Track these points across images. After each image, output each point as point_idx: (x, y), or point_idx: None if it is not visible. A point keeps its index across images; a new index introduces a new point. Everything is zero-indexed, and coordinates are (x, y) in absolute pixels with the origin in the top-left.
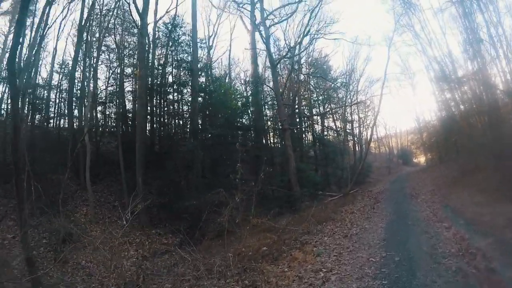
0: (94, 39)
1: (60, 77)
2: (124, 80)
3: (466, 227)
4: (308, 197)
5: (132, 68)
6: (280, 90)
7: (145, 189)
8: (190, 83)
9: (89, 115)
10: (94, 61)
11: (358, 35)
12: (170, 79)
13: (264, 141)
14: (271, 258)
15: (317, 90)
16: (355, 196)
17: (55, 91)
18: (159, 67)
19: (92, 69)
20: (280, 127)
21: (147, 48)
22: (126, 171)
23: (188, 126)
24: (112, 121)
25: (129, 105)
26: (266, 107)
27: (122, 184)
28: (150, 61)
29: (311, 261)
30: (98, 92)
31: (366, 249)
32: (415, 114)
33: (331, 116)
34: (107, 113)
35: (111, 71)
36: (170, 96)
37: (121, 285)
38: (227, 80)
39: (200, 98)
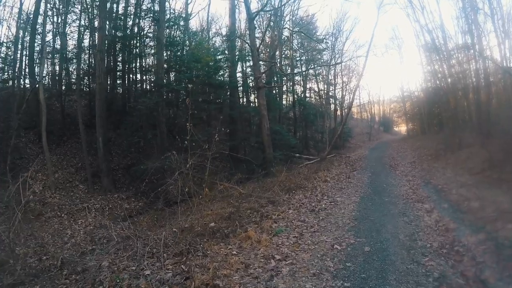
0: None
1: (24, 33)
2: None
3: (451, 214)
4: (283, 161)
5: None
6: (257, 45)
7: (112, 149)
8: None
9: (45, 71)
10: (60, 13)
11: None
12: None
13: (245, 100)
14: (223, 235)
15: (301, 50)
16: (332, 162)
17: (20, 48)
18: (127, 18)
19: (51, 21)
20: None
21: None
22: (93, 131)
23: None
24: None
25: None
26: (248, 64)
27: (82, 146)
28: (121, 13)
29: (266, 243)
30: (64, 47)
31: (332, 231)
32: (400, 83)
33: (314, 78)
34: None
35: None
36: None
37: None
38: (203, 35)
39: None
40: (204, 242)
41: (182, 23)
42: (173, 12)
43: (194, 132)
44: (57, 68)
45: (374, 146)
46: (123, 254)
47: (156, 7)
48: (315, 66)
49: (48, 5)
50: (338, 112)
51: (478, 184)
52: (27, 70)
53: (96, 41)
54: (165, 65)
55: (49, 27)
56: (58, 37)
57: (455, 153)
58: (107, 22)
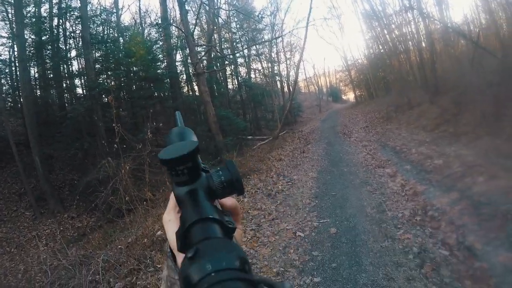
0: None
1: None
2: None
3: (416, 175)
4: (234, 146)
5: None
6: (192, 31)
7: (54, 166)
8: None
9: None
10: None
11: None
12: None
13: (189, 89)
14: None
15: (240, 32)
16: (285, 139)
17: None
18: (52, 21)
19: None
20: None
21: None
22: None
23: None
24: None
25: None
26: (186, 52)
27: (19, 168)
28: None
29: None
30: None
31: (293, 215)
32: (343, 53)
33: (257, 57)
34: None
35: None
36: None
37: None
38: (136, 29)
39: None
40: (154, 255)
41: (113, 18)
42: (103, 8)
43: (131, 132)
44: None
45: (325, 117)
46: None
47: (78, 4)
48: (255, 44)
49: None
50: (286, 89)
51: (436, 141)
52: None
53: (16, 50)
54: (97, 65)
55: None
56: None
57: (406, 113)
58: (30, 27)
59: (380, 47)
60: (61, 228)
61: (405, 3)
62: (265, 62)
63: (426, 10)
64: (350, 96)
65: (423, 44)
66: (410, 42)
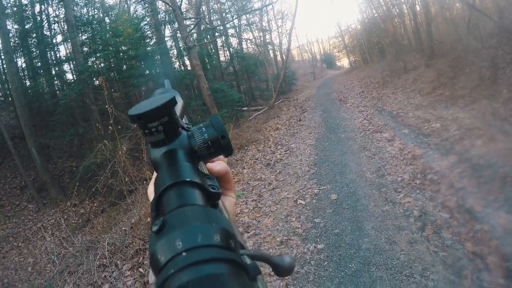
0: None
1: None
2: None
3: (414, 139)
4: (231, 117)
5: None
6: (179, 3)
7: (53, 155)
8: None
9: None
10: None
11: None
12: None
13: (180, 64)
14: None
15: (229, 1)
16: (281, 108)
17: None
18: (34, 7)
19: None
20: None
21: None
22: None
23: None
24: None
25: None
26: (175, 27)
27: (17, 161)
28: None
29: None
30: None
31: (293, 183)
32: (336, 19)
33: (247, 27)
34: None
35: None
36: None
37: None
38: (122, 7)
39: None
40: None
41: None
42: None
43: (125, 112)
44: None
45: (320, 84)
46: (74, 276)
47: None
48: (245, 13)
49: None
50: (279, 58)
51: (433, 104)
52: None
53: (0, 42)
54: (85, 48)
55: None
56: None
57: (402, 77)
58: (12, 17)
59: (374, 11)
60: (65, 217)
61: None
62: (256, 31)
63: None
64: (345, 62)
65: (418, 7)
66: (404, 6)
